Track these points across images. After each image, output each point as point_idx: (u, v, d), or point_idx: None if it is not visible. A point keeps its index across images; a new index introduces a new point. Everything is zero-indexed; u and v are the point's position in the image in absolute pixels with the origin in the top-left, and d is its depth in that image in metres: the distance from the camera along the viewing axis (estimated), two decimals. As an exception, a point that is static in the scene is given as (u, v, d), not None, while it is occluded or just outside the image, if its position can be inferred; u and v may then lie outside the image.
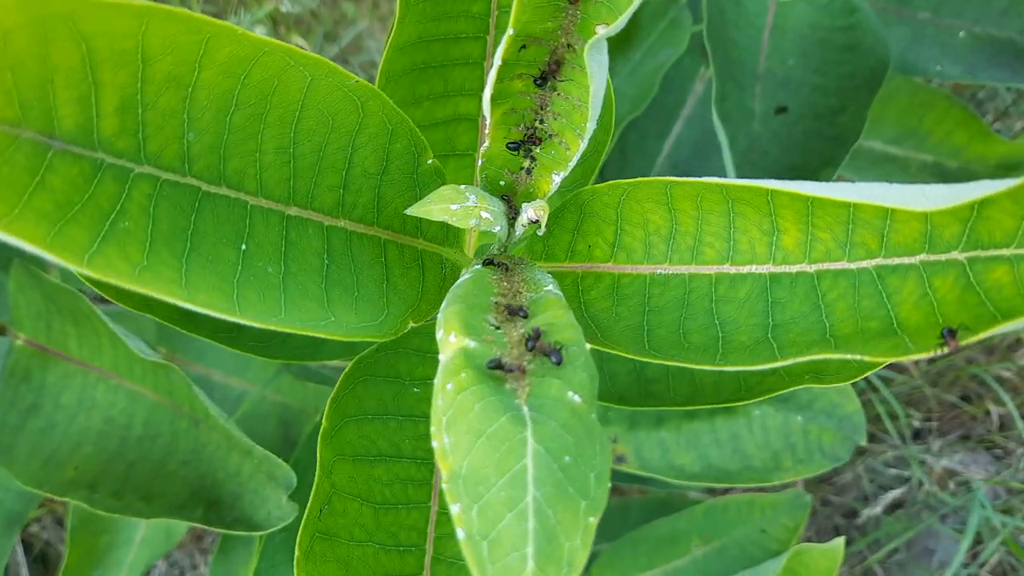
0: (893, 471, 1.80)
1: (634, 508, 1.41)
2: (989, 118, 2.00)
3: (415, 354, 0.66)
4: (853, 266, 0.47)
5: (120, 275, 0.39)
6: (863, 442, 0.94)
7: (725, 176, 0.96)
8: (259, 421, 1.10)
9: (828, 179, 0.90)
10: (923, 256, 0.45)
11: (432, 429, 0.40)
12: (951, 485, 1.79)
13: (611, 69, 1.24)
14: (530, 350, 0.44)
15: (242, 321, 0.43)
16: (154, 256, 0.42)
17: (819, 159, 0.91)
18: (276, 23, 2.10)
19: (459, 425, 0.39)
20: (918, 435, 1.85)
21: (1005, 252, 0.43)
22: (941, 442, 1.82)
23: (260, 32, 2.06)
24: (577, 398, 0.41)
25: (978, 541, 1.74)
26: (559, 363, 0.42)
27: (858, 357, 0.42)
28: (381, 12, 2.12)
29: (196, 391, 0.78)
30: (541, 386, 0.41)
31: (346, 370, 0.61)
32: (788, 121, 0.94)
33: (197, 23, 0.40)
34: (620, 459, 0.94)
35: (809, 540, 1.83)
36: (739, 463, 0.93)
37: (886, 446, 1.81)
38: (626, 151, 1.26)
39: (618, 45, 1.25)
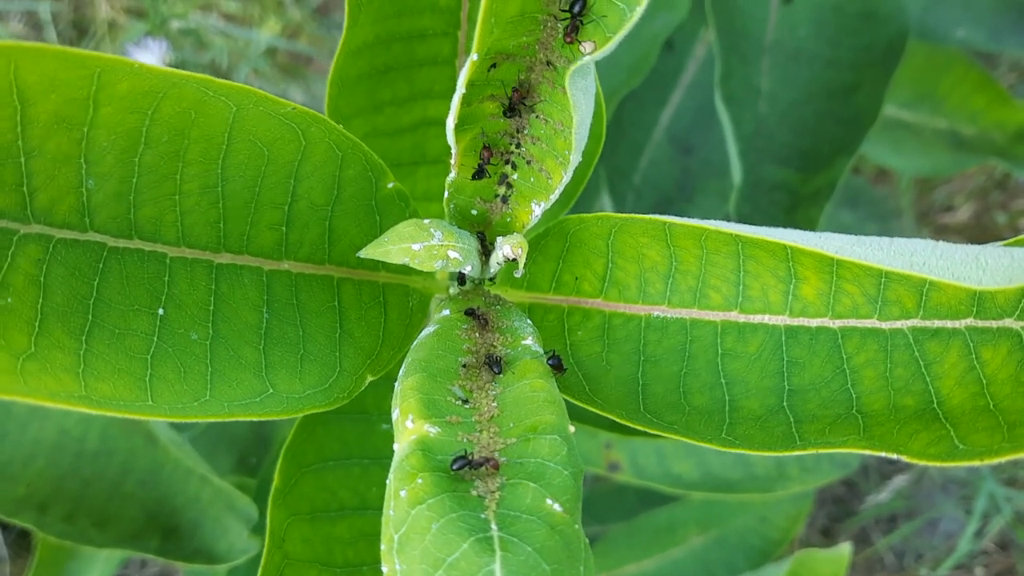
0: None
1: (629, 493, 1.35)
2: (1003, 70, 1.90)
3: (385, 383, 0.59)
4: (885, 326, 0.40)
5: (-7, 374, 0.32)
6: (874, 447, 0.88)
7: (726, 157, 0.88)
8: (231, 419, 1.03)
9: (843, 168, 0.82)
10: (969, 321, 0.38)
11: (382, 547, 0.33)
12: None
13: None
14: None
15: (154, 416, 0.35)
16: (44, 338, 0.34)
17: (832, 145, 0.83)
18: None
19: (413, 549, 0.32)
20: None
21: (1073, 324, 0.36)
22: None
23: (236, -14, 1.95)
24: (557, 507, 0.34)
25: (983, 515, 1.69)
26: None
27: (894, 456, 0.35)
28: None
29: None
30: (514, 494, 0.34)
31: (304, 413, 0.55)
32: (798, 101, 0.85)
33: (79, 58, 0.33)
34: (614, 467, 0.88)
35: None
36: (742, 471, 0.87)
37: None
38: (622, 124, 1.17)
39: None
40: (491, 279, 0.49)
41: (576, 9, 0.37)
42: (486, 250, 0.47)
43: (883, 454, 0.35)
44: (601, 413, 0.45)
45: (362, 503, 0.55)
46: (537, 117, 0.42)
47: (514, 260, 0.45)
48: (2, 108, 0.33)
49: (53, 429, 0.83)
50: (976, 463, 0.34)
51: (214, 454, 1.03)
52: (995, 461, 0.33)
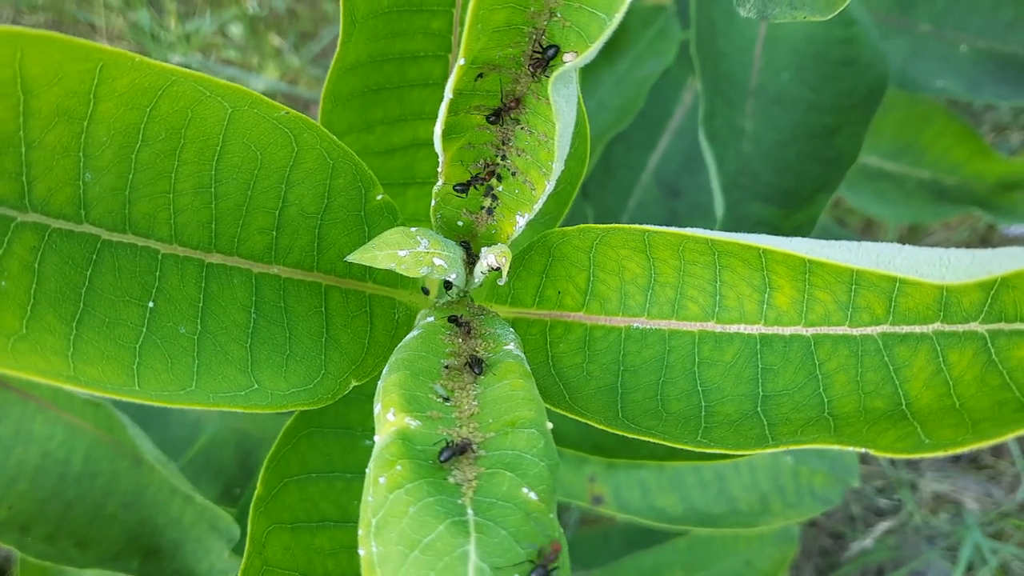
0: (882, 495, 1.75)
1: (614, 536, 1.35)
2: (985, 129, 1.94)
3: (368, 400, 0.60)
4: (855, 332, 0.41)
5: (-15, 350, 0.33)
6: (856, 484, 0.88)
7: (712, 200, 0.90)
8: (215, 449, 1.03)
9: (823, 205, 0.84)
10: (937, 326, 0.39)
11: (360, 532, 0.34)
12: (942, 510, 1.74)
13: (596, 78, 1.18)
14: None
15: (140, 400, 0.36)
16: (36, 321, 0.35)
17: (813, 183, 0.85)
18: (254, 22, 2.03)
19: (390, 531, 0.33)
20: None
21: (1034, 327, 0.37)
22: (930, 464, 1.77)
23: (236, 31, 1.99)
24: (533, 495, 0.35)
25: (968, 566, 1.69)
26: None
27: (863, 450, 0.36)
28: (362, 11, 2.05)
29: (133, 432, 0.72)
30: (491, 481, 0.35)
31: (288, 424, 0.55)
32: (781, 141, 0.88)
33: (85, 49, 0.34)
34: (598, 500, 0.88)
35: (794, 563, 1.78)
36: (725, 506, 0.87)
37: (876, 469, 1.75)
38: (610, 165, 1.19)
39: (604, 53, 1.19)
40: (476, 287, 0.50)
41: (550, 54, 0.40)
42: (471, 260, 0.48)
43: (851, 448, 0.36)
44: (580, 420, 0.46)
45: (343, 516, 0.55)
46: (522, 128, 0.44)
47: (498, 269, 0.46)
48: (6, 98, 0.34)
49: (36, 452, 0.83)
50: (940, 454, 0.35)
51: (198, 485, 1.02)
52: (958, 451, 0.34)
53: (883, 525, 1.60)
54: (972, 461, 1.80)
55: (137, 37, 1.99)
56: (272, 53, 2.05)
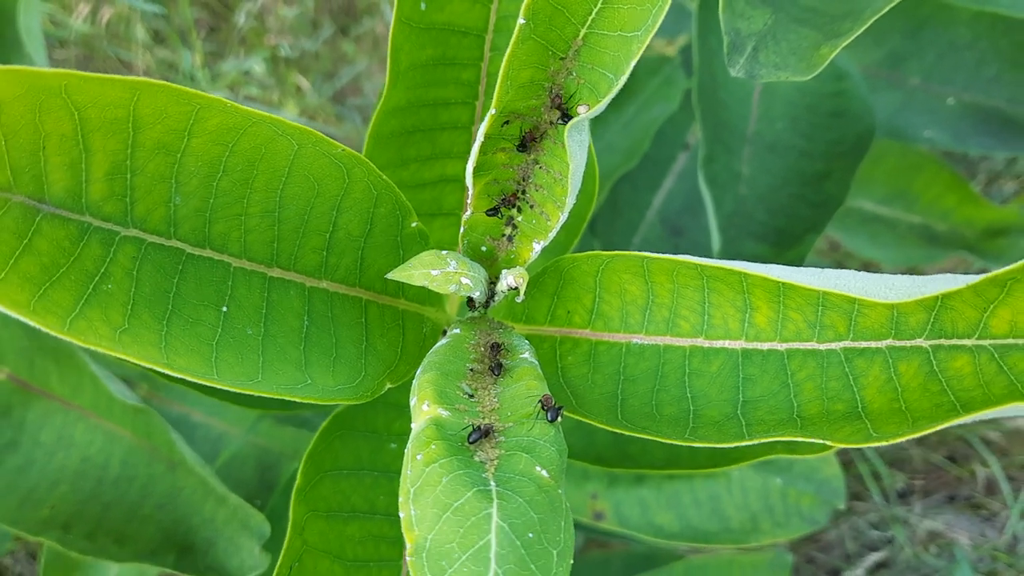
0: (876, 531, 1.80)
1: (615, 562, 1.40)
2: (981, 177, 2.02)
3: (393, 408, 0.67)
4: (822, 347, 0.48)
5: (100, 339, 0.40)
6: (842, 506, 0.94)
7: (710, 238, 0.97)
8: (236, 464, 1.10)
9: (811, 244, 0.91)
10: (889, 341, 0.46)
11: (400, 499, 0.41)
12: (934, 547, 1.79)
13: (605, 122, 1.26)
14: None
15: (219, 385, 0.43)
16: (135, 319, 0.42)
17: (803, 224, 0.92)
18: (276, 61, 2.13)
19: (426, 497, 0.40)
20: (903, 495, 1.85)
21: (967, 343, 0.44)
22: (925, 503, 1.82)
23: (259, 69, 2.09)
24: (545, 473, 0.41)
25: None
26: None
27: (820, 441, 0.43)
28: (380, 53, 2.15)
29: (174, 436, 0.78)
30: (510, 461, 0.42)
31: (323, 424, 0.62)
32: (774, 185, 0.95)
33: (188, 96, 0.42)
34: (599, 516, 0.94)
35: (791, 596, 1.82)
36: (718, 524, 0.94)
37: (871, 505, 1.81)
38: (617, 204, 1.27)
39: (613, 100, 1.27)
40: (496, 305, 0.57)
41: (568, 120, 0.48)
42: (493, 281, 0.56)
43: (812, 440, 0.43)
44: (585, 420, 0.53)
45: (371, 508, 0.62)
46: (540, 168, 0.51)
47: (516, 289, 0.53)
48: (119, 133, 0.42)
49: (77, 457, 0.90)
50: (884, 443, 0.41)
51: (220, 496, 1.09)
52: (898, 440, 0.41)
53: (874, 556, 1.65)
54: (966, 499, 1.85)
55: (165, 74, 2.09)
56: (293, 90, 2.14)
